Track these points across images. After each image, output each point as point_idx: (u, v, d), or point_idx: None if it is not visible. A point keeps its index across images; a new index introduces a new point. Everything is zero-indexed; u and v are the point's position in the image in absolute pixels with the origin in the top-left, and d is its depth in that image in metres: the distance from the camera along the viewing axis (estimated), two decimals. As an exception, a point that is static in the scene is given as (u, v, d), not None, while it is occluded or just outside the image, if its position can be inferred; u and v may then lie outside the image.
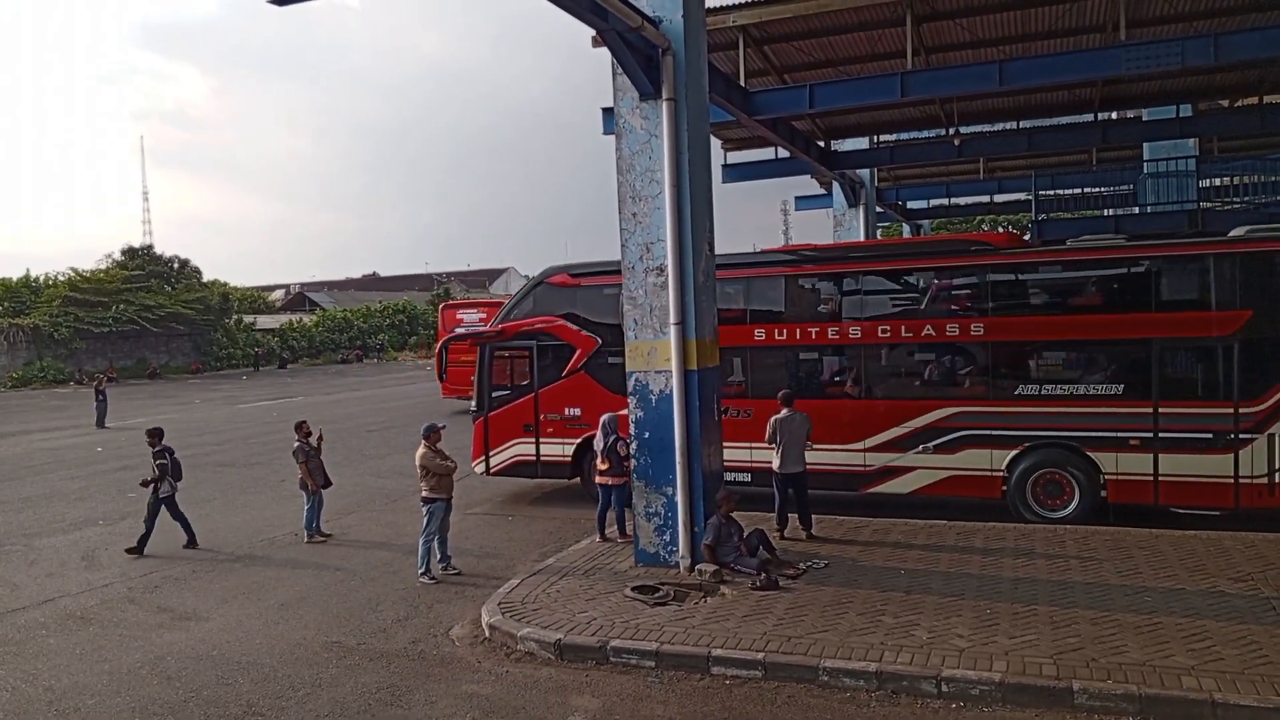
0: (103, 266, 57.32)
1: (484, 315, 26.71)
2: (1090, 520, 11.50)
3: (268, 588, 10.67)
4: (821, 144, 19.90)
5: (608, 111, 13.27)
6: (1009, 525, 11.34)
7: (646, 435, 10.18)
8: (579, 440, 14.18)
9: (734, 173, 21.51)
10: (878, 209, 26.06)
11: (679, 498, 9.91)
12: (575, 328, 14.35)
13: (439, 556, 10.91)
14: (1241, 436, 10.93)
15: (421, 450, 10.86)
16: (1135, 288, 11.89)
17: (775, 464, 11.22)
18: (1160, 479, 11.33)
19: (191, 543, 12.64)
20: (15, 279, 54.70)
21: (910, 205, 30.84)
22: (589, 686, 7.50)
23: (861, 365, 12.98)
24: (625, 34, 9.31)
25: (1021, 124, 20.21)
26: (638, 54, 9.61)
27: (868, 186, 23.15)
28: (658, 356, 10.02)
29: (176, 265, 60.51)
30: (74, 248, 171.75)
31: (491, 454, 15.08)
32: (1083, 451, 11.66)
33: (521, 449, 14.71)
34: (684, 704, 7.10)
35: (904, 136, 21.65)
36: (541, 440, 14.52)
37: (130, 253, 58.99)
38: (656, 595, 9.04)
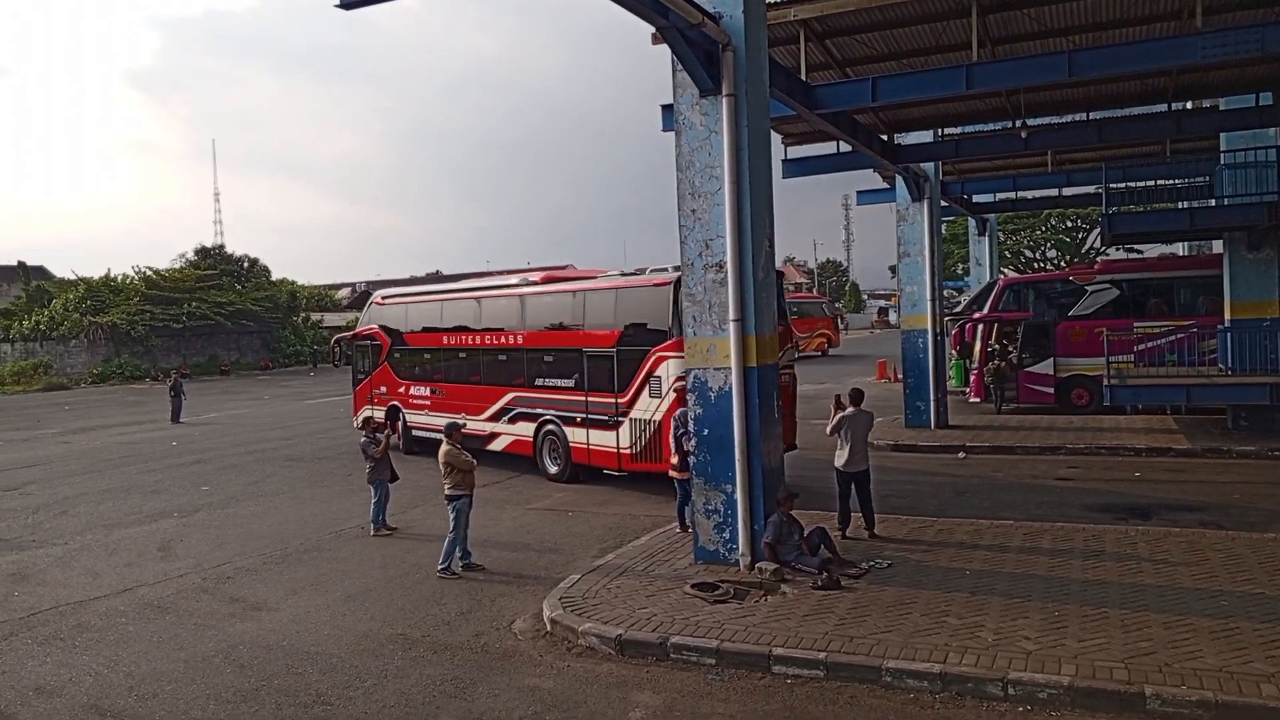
0: (177, 265, 59.15)
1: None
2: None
3: (335, 580, 10.92)
4: (884, 138, 19.55)
5: (667, 108, 13.18)
6: (1078, 526, 11.09)
7: (706, 432, 10.15)
8: (386, 407, 20.99)
9: (794, 168, 21.24)
10: (942, 203, 25.57)
11: (739, 495, 9.86)
12: (383, 332, 21.44)
13: (460, 552, 11.02)
14: (619, 419, 15.08)
15: (445, 448, 10.99)
16: (579, 312, 16.43)
17: (839, 461, 11.11)
18: (590, 447, 15.74)
19: None
20: (97, 278, 56.47)
21: (976, 199, 30.13)
22: (649, 683, 7.54)
23: (481, 363, 18.47)
24: (685, 30, 9.28)
25: (1091, 115, 19.63)
26: (698, 50, 9.57)
27: (932, 180, 22.67)
28: (716, 353, 9.98)
29: (246, 264, 62.17)
30: (149, 245, 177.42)
31: (359, 413, 22.34)
32: (560, 426, 16.26)
33: (367, 411, 21.46)
34: (745, 702, 7.09)
35: (969, 129, 21.18)
36: (374, 406, 21.42)
37: (203, 252, 60.85)
38: (716, 593, 9.04)
